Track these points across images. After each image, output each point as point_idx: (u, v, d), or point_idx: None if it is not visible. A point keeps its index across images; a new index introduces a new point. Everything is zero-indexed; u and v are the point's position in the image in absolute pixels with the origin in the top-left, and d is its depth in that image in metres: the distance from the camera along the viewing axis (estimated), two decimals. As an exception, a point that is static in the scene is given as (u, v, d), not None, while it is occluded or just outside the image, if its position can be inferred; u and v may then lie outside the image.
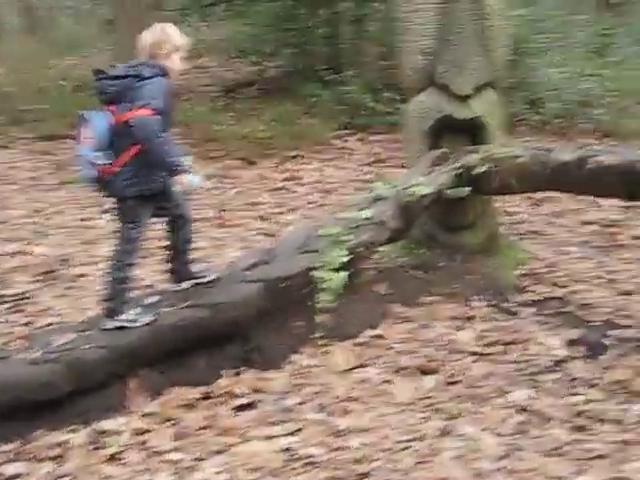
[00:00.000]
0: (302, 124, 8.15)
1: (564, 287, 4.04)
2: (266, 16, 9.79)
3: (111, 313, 3.17)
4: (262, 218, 5.53)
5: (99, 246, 4.93)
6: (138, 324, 3.14)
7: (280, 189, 6.38)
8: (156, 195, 3.23)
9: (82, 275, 4.56)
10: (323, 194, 6.17)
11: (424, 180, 3.90)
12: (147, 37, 3.20)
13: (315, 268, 3.43)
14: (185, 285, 3.44)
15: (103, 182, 3.15)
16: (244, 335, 3.37)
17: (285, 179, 6.68)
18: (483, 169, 3.83)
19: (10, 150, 7.98)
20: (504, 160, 3.80)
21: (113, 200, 3.24)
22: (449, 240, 4.38)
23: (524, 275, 4.23)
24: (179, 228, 3.39)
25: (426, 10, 4.26)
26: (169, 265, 3.47)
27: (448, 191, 3.87)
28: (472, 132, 4.31)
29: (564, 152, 3.54)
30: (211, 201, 5.97)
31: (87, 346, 3.00)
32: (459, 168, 3.92)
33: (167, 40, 3.18)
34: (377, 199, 3.87)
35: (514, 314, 3.80)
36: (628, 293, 3.93)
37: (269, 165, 7.20)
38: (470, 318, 3.79)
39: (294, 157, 7.43)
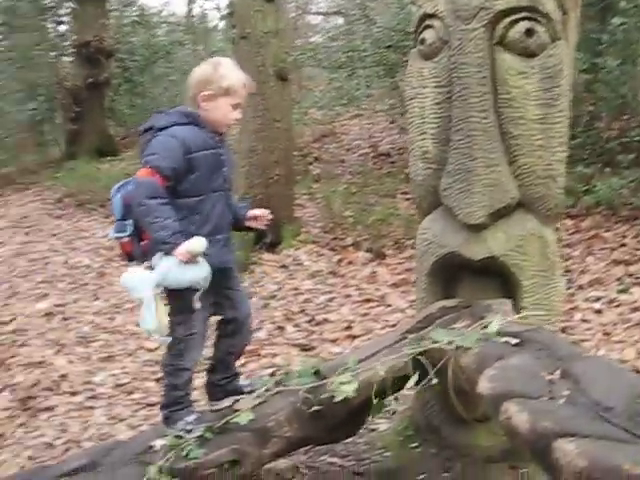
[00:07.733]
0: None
1: None
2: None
3: (167, 421, 2.52)
4: (303, 348, 4.33)
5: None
6: (195, 435, 2.41)
7: (377, 300, 5.05)
8: (218, 279, 2.48)
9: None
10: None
11: (353, 369, 2.46)
12: (194, 74, 2.52)
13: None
14: (226, 403, 2.59)
15: (131, 259, 2.52)
16: None
17: (394, 284, 5.32)
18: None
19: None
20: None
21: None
22: (453, 437, 2.82)
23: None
24: (228, 335, 2.65)
25: (424, 95, 2.84)
26: (207, 377, 2.71)
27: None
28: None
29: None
30: (276, 313, 4.97)
31: None
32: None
33: (214, 80, 2.45)
34: (280, 391, 2.57)
35: None
36: None
37: (400, 259, 5.90)
38: None
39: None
